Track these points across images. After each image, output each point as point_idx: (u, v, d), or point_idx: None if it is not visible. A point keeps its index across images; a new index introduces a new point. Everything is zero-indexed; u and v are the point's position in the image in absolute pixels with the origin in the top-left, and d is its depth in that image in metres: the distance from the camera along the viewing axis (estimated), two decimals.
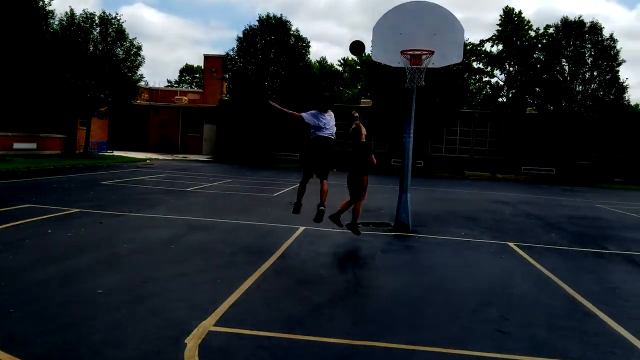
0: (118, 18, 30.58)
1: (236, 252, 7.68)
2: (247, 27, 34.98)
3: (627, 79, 42.98)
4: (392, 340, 4.63)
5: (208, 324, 4.71)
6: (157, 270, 6.42)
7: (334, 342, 4.50)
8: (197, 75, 73.75)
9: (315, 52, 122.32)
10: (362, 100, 39.97)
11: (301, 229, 9.88)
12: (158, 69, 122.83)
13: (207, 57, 47.89)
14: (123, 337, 4.35)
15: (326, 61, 67.42)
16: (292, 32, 34.93)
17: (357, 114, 9.32)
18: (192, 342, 4.31)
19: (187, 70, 78.58)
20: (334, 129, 8.71)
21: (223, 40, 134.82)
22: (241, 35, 34.79)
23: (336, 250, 8.26)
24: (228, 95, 36.07)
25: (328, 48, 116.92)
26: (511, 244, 9.64)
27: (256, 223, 10.34)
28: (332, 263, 7.42)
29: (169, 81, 79.98)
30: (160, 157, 34.17)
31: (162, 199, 13.20)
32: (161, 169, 23.85)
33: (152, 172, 21.59)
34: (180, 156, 36.33)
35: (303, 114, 8.49)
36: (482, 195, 19.89)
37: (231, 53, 35.10)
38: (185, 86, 75.36)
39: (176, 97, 45.05)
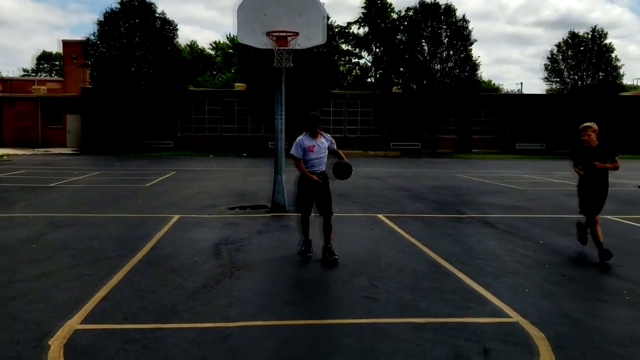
0: None
1: (105, 246, 7.34)
2: (108, 10, 33.09)
3: (479, 57, 46.64)
4: (267, 318, 4.73)
5: (74, 323, 4.50)
6: (15, 272, 5.98)
7: (208, 327, 4.50)
8: (57, 63, 68.27)
9: (185, 36, 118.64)
10: (236, 84, 39.41)
11: (176, 217, 9.67)
12: (11, 57, 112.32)
13: (66, 43, 44.42)
14: None
15: (197, 45, 65.68)
16: (157, 15, 33.58)
17: None
18: (56, 343, 4.09)
19: (44, 57, 72.59)
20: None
21: (83, 25, 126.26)
22: (102, 19, 32.83)
23: (212, 236, 8.19)
24: (92, 83, 33.94)
25: (198, 32, 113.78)
26: (380, 216, 10.19)
27: (127, 215, 9.94)
28: (208, 249, 7.35)
29: (24, 70, 73.55)
30: (19, 152, 31.41)
31: (21, 197, 12.20)
32: (20, 165, 21.95)
33: (9, 169, 19.80)
34: (41, 150, 33.65)
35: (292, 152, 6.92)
36: (355, 171, 20.62)
37: (92, 38, 33.06)
38: (44, 75, 69.68)
39: (34, 87, 41.38)
